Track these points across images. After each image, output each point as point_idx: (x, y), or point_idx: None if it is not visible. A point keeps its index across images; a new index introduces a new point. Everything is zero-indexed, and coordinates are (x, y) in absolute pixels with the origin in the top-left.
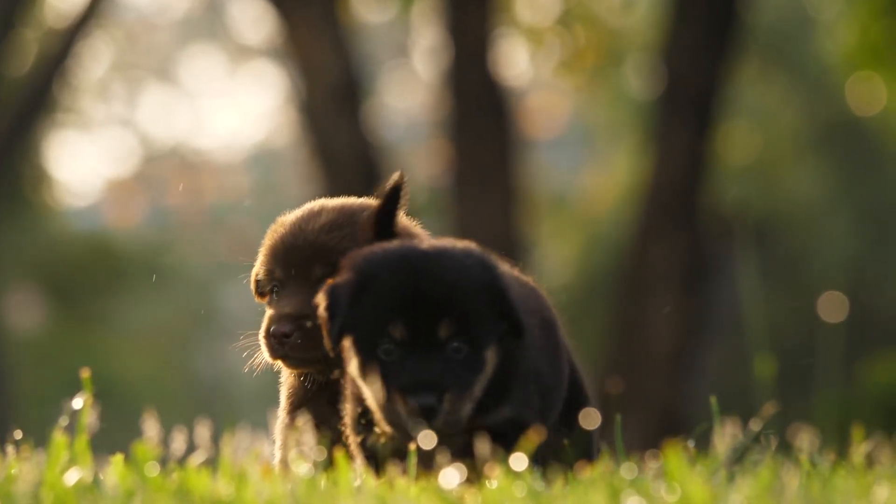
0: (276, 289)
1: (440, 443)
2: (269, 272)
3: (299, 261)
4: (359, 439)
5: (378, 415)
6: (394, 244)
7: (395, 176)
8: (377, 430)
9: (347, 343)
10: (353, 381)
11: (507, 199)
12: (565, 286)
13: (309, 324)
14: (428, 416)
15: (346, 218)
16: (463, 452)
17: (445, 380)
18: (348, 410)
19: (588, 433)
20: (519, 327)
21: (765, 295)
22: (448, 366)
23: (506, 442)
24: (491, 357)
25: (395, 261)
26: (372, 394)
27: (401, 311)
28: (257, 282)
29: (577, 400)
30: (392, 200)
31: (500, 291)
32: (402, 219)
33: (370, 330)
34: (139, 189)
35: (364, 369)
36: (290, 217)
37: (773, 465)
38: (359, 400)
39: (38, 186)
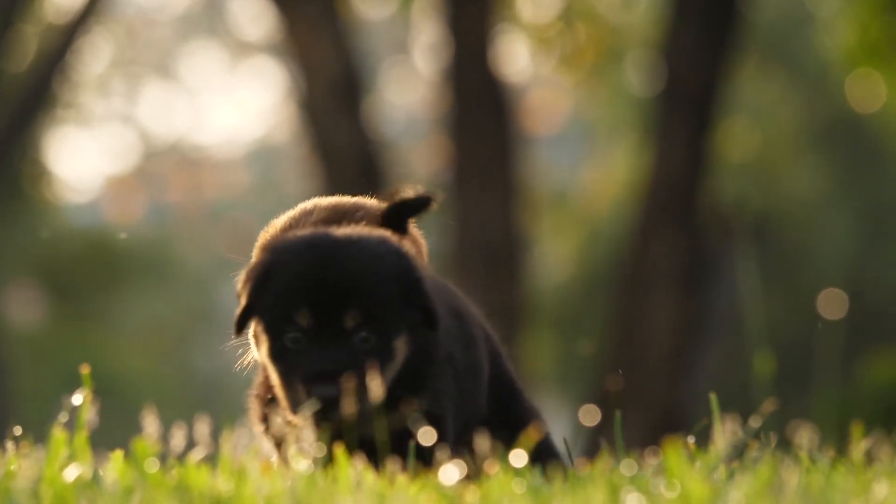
0: None
1: (360, 433)
2: None
3: None
4: (265, 425)
5: (282, 403)
6: (308, 230)
7: (428, 192)
8: (281, 416)
9: (257, 328)
10: (265, 367)
11: (507, 196)
12: (565, 283)
13: None
14: (328, 407)
15: (338, 217)
16: (395, 446)
17: (349, 369)
18: (259, 395)
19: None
20: (432, 318)
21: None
22: (354, 355)
23: (413, 433)
24: (401, 347)
25: (305, 247)
26: (277, 382)
27: (307, 299)
28: None
29: (507, 396)
30: (412, 205)
31: (413, 281)
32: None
33: (278, 316)
34: (139, 185)
35: (271, 356)
36: (283, 218)
37: (772, 462)
38: (269, 386)
39: (37, 182)
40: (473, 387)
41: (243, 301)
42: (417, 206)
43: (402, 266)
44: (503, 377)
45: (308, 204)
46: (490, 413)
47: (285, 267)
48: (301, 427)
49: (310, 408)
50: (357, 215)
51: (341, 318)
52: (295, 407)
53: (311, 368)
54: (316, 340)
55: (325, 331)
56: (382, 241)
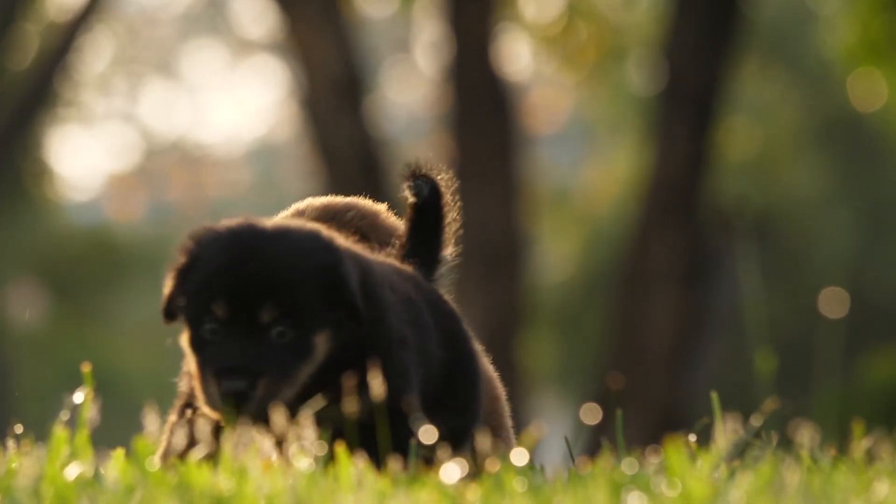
0: None
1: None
2: None
3: None
4: (176, 418)
5: (197, 394)
6: (236, 221)
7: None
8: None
9: (181, 318)
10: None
11: (507, 195)
12: (565, 282)
13: None
14: (238, 402)
15: (329, 217)
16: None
17: (262, 365)
18: (184, 386)
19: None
20: (357, 315)
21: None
22: (269, 350)
23: (391, 421)
24: (322, 344)
25: (229, 238)
26: (193, 373)
27: (225, 291)
28: None
29: (458, 390)
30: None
31: (339, 277)
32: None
33: (197, 307)
34: (140, 183)
35: (190, 347)
36: (277, 217)
37: (773, 460)
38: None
39: (38, 180)
40: (424, 372)
41: (167, 290)
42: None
43: (329, 261)
44: (463, 370)
45: (301, 204)
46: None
47: (207, 257)
48: (212, 419)
49: (220, 401)
50: (348, 215)
51: (258, 311)
52: (207, 399)
53: (223, 361)
54: (232, 333)
55: (241, 324)
56: (311, 236)
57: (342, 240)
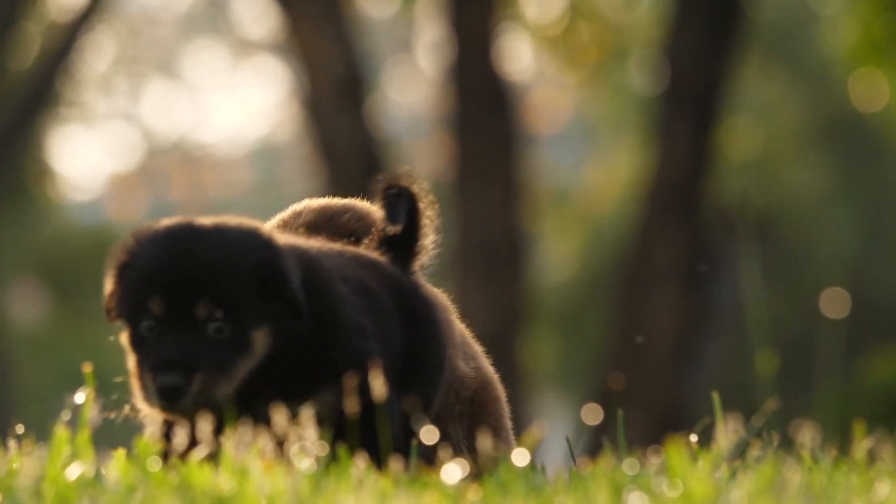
0: None
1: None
2: None
3: None
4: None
5: (135, 390)
6: (174, 219)
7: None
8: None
9: (121, 316)
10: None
11: (509, 195)
12: (567, 282)
13: None
14: (173, 397)
15: (325, 219)
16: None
17: (198, 359)
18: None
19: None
20: (297, 309)
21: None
22: (205, 346)
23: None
24: (261, 339)
25: (164, 236)
26: (132, 369)
27: (160, 288)
28: None
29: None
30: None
31: (276, 272)
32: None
33: (134, 305)
34: (141, 183)
35: (128, 344)
36: (275, 219)
37: (774, 460)
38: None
39: (40, 180)
40: (388, 358)
41: (106, 288)
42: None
43: (266, 256)
44: (425, 353)
45: (299, 206)
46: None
47: (143, 255)
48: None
49: (156, 396)
50: (344, 217)
51: (194, 307)
52: (144, 394)
53: (158, 357)
54: (168, 330)
55: (177, 320)
56: (248, 232)
57: (282, 236)
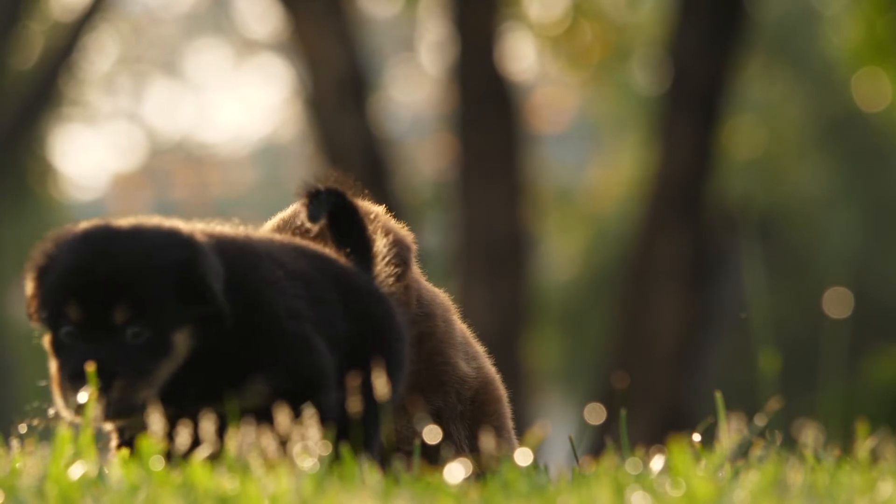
0: None
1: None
2: None
3: None
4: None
5: (55, 396)
6: (92, 222)
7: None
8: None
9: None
10: None
11: (512, 194)
12: (570, 281)
13: None
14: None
15: None
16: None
17: (116, 366)
18: None
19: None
20: (219, 311)
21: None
22: (123, 351)
23: (295, 400)
24: (182, 341)
25: (80, 241)
26: (52, 375)
27: (77, 294)
28: None
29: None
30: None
31: (194, 273)
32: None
33: (53, 311)
34: (145, 183)
35: (50, 350)
36: (275, 219)
37: (777, 460)
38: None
39: (43, 180)
40: (328, 343)
41: (27, 292)
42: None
43: (183, 259)
44: (376, 351)
45: (299, 205)
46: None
47: (60, 260)
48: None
49: (74, 403)
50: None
51: (111, 312)
52: (65, 402)
53: (75, 364)
54: (86, 336)
55: (95, 326)
56: (166, 233)
57: (210, 230)
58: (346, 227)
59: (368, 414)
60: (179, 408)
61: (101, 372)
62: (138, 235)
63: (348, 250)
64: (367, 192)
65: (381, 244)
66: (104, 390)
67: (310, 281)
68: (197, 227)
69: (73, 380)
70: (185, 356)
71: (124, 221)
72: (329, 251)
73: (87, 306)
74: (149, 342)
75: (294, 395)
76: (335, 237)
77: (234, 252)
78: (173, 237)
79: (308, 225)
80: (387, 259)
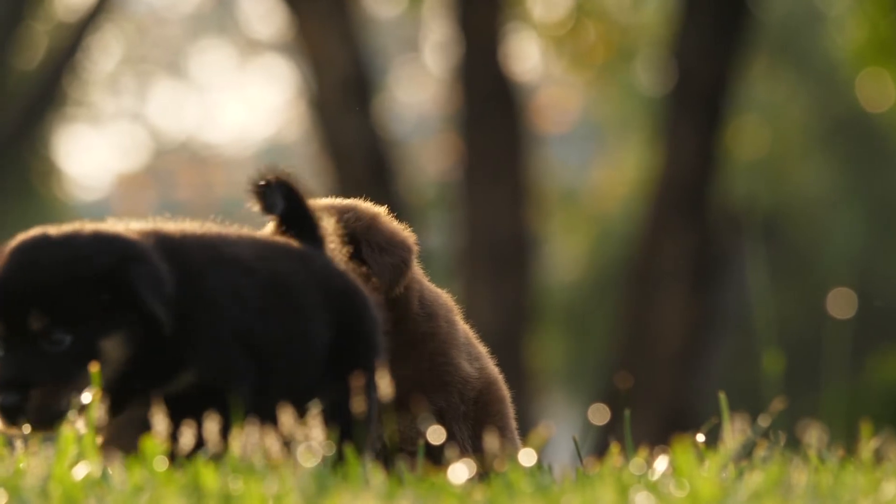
0: None
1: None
2: None
3: None
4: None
5: None
6: (29, 232)
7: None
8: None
9: None
10: None
11: (516, 195)
12: (574, 281)
13: None
14: (12, 416)
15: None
16: (144, 426)
17: (35, 375)
18: None
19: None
20: (154, 317)
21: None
22: (43, 360)
23: (196, 407)
24: (114, 347)
25: (11, 252)
26: None
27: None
28: None
29: (354, 350)
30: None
31: (122, 280)
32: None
33: None
34: (149, 183)
35: None
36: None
37: (781, 460)
38: None
39: (47, 180)
40: (282, 359)
41: None
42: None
43: (111, 265)
44: (353, 351)
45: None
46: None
47: None
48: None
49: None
50: (345, 217)
51: (29, 321)
52: None
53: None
54: (9, 345)
55: (16, 335)
56: (97, 240)
57: (158, 239)
58: (296, 216)
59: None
60: (122, 402)
61: (17, 383)
62: (68, 243)
63: (298, 237)
64: (370, 192)
65: (329, 227)
66: (21, 402)
67: (281, 282)
68: (149, 232)
69: None
70: (124, 361)
71: (62, 229)
72: (306, 246)
73: (8, 316)
74: (71, 350)
75: (193, 400)
76: (284, 225)
77: (186, 257)
78: (105, 244)
79: (266, 216)
80: (336, 241)
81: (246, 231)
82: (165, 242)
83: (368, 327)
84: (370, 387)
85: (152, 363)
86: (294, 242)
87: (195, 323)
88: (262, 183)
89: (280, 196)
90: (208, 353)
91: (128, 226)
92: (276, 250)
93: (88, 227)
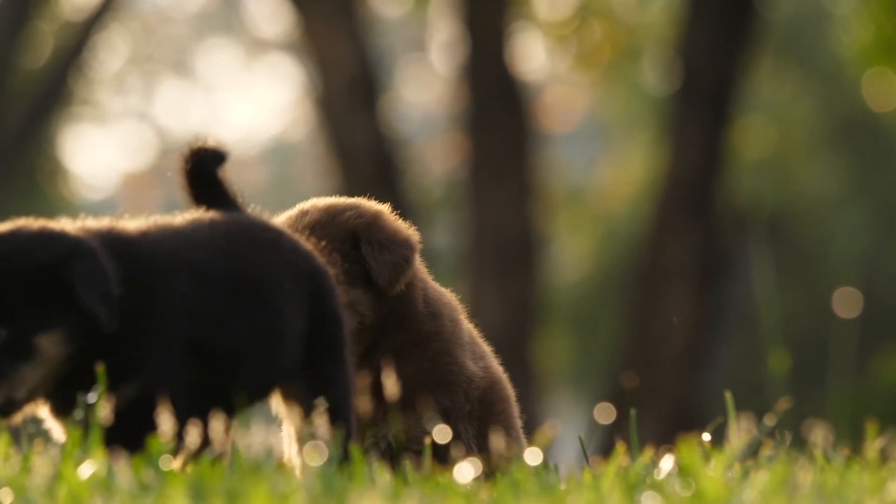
0: None
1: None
2: None
3: None
4: None
5: None
6: None
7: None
8: None
9: None
10: None
11: (522, 194)
12: (580, 280)
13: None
14: None
15: (330, 218)
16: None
17: None
18: None
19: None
20: (93, 316)
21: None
22: None
23: (134, 417)
24: (52, 344)
25: None
26: None
27: None
28: None
29: (325, 347)
30: (202, 162)
31: (61, 277)
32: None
33: None
34: (154, 182)
35: None
36: (281, 217)
37: (787, 460)
38: None
39: (53, 179)
40: (244, 363)
41: None
42: (214, 158)
43: (49, 262)
44: (323, 326)
45: (306, 204)
46: (299, 371)
47: None
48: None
49: None
50: (346, 214)
51: None
52: None
53: None
54: None
55: None
56: (39, 237)
57: (108, 236)
58: (211, 186)
59: (336, 402)
60: (67, 402)
61: None
62: (12, 238)
63: (213, 207)
64: (377, 191)
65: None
66: None
67: (247, 279)
68: (102, 231)
69: None
70: (63, 360)
71: (9, 224)
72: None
73: None
74: (10, 346)
75: (132, 411)
76: (198, 196)
77: (142, 258)
78: (48, 240)
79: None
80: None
81: (218, 221)
82: (119, 242)
83: (334, 304)
84: (344, 366)
85: (103, 365)
86: (261, 225)
87: (142, 326)
88: (194, 150)
89: (216, 162)
90: (150, 358)
91: (81, 224)
92: (244, 243)
93: (36, 223)
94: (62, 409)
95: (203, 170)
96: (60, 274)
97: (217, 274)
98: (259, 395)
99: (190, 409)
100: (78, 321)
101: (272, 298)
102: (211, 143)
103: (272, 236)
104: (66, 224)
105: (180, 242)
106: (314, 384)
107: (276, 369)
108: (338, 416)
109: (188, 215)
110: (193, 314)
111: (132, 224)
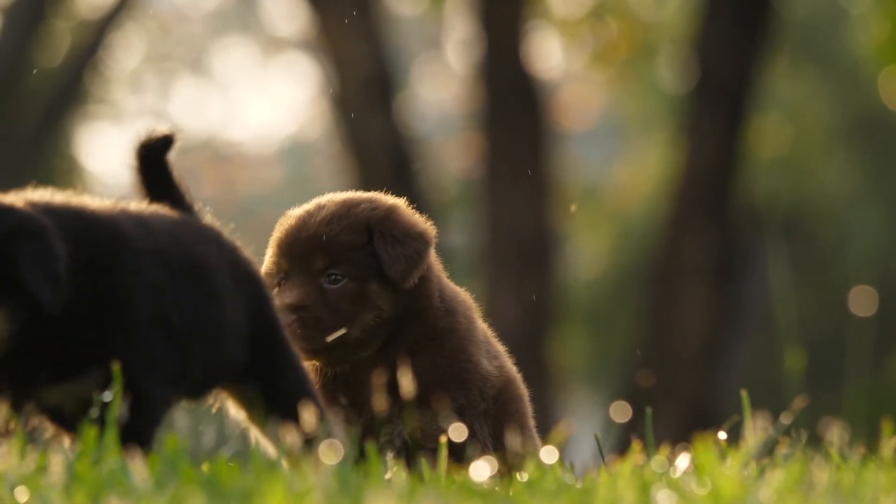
0: (282, 280)
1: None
2: (276, 264)
3: (302, 253)
4: None
5: None
6: None
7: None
8: None
9: None
10: None
11: (538, 192)
12: (597, 279)
13: (308, 314)
14: None
15: (346, 210)
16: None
17: None
18: None
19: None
20: (37, 296)
21: (795, 288)
22: None
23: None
24: None
25: None
26: None
27: None
28: (267, 274)
29: (273, 349)
30: (152, 149)
31: (7, 254)
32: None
33: None
34: None
35: None
36: (298, 210)
37: (803, 458)
38: None
39: (69, 177)
40: (202, 348)
41: None
42: (163, 143)
43: None
44: (266, 329)
45: (323, 198)
46: (250, 364)
47: None
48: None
49: None
50: (360, 207)
51: None
52: None
53: None
54: None
55: None
56: None
57: (60, 213)
58: (160, 176)
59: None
60: (27, 388)
61: None
62: None
63: (164, 198)
64: (393, 189)
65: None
66: None
67: (196, 266)
68: (58, 208)
69: None
70: (7, 338)
71: None
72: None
73: None
74: None
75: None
76: (149, 185)
77: (87, 235)
78: None
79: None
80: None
81: (161, 211)
82: (75, 221)
83: (271, 308)
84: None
85: (61, 349)
86: (203, 223)
87: (110, 310)
88: (144, 138)
89: (165, 147)
90: (126, 342)
91: (38, 200)
92: (192, 234)
93: None
94: (7, 392)
95: (153, 156)
96: (3, 251)
97: (172, 260)
98: (206, 384)
99: (174, 389)
100: (21, 300)
101: (218, 289)
102: (160, 130)
103: (215, 234)
104: (17, 199)
105: (141, 226)
106: (269, 375)
107: (223, 359)
108: (301, 395)
109: (140, 204)
110: (157, 297)
111: (93, 204)
